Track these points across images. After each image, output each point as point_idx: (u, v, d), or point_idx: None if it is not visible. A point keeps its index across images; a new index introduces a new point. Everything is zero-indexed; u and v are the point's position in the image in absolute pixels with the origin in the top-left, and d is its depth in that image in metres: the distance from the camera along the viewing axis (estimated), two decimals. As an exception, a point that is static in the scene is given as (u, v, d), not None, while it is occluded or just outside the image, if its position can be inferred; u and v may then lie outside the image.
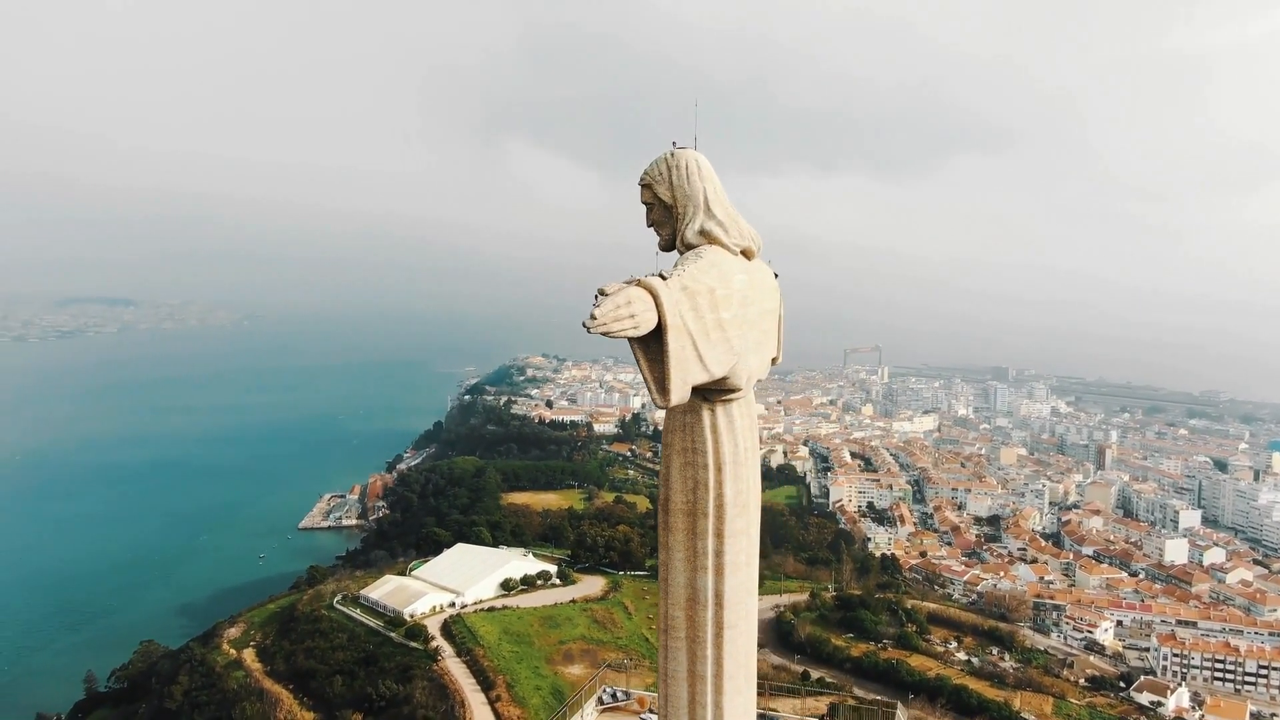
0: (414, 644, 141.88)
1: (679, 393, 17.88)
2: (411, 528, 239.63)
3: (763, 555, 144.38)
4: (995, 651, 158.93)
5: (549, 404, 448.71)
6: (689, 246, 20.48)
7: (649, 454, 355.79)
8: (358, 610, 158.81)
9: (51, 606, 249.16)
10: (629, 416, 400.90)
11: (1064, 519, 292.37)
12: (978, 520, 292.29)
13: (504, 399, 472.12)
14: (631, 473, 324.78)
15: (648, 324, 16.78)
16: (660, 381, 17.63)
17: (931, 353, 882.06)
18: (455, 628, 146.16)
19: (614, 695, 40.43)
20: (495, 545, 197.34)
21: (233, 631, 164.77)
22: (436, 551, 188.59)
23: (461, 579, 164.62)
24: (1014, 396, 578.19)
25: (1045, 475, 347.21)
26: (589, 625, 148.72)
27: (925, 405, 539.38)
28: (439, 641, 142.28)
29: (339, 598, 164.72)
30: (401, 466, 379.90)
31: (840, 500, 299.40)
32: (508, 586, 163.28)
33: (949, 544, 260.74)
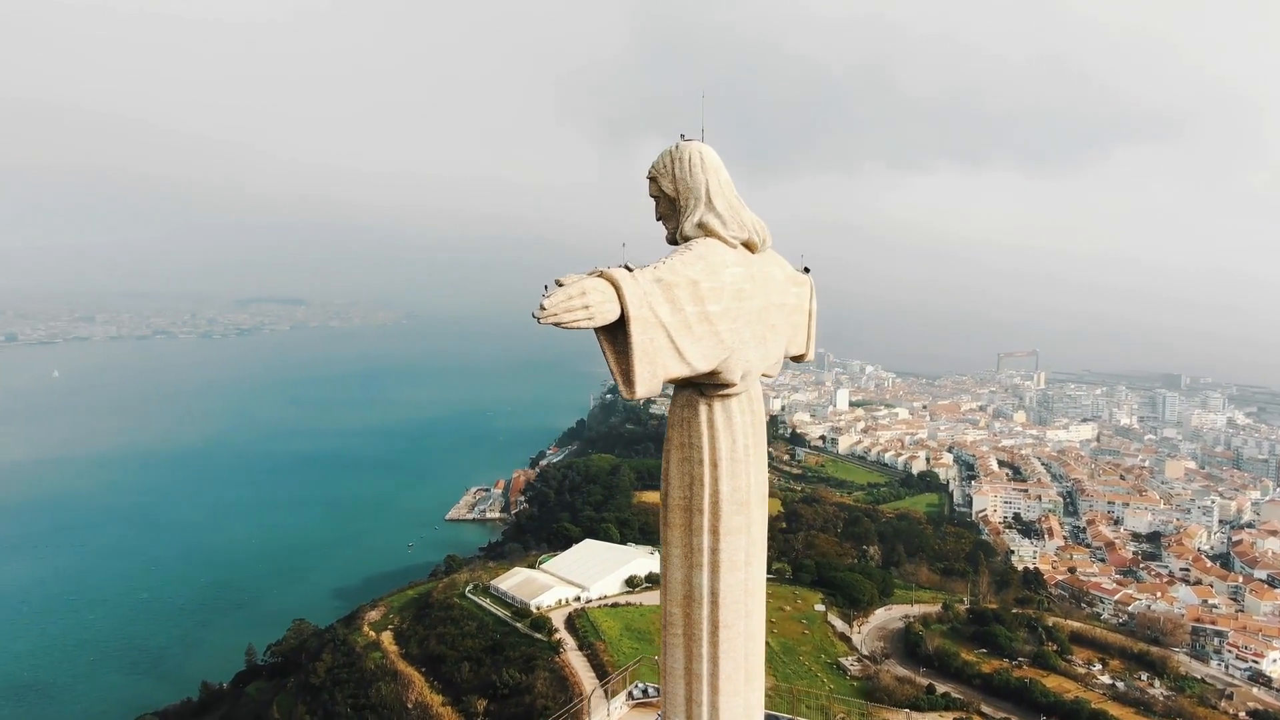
0: (538, 635, 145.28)
1: (646, 386, 17.74)
2: (546, 522, 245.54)
3: (894, 564, 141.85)
4: (1144, 677, 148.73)
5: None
6: (686, 239, 20.30)
7: (786, 456, 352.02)
8: (488, 600, 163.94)
9: (218, 585, 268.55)
10: (767, 418, 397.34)
11: (1235, 539, 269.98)
12: (1135, 537, 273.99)
13: (644, 399, 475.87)
14: (768, 474, 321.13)
15: (606, 315, 16.71)
16: (626, 374, 17.55)
17: (1094, 358, 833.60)
18: (579, 621, 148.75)
19: (644, 691, 40.30)
20: (623, 542, 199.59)
21: (373, 614, 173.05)
22: (566, 546, 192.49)
23: (587, 574, 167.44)
24: (1185, 406, 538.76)
25: (1216, 491, 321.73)
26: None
27: (1084, 413, 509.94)
28: (562, 634, 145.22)
29: (471, 587, 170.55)
30: (544, 463, 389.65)
31: (984, 510, 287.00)
32: (632, 583, 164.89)
33: (1101, 560, 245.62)
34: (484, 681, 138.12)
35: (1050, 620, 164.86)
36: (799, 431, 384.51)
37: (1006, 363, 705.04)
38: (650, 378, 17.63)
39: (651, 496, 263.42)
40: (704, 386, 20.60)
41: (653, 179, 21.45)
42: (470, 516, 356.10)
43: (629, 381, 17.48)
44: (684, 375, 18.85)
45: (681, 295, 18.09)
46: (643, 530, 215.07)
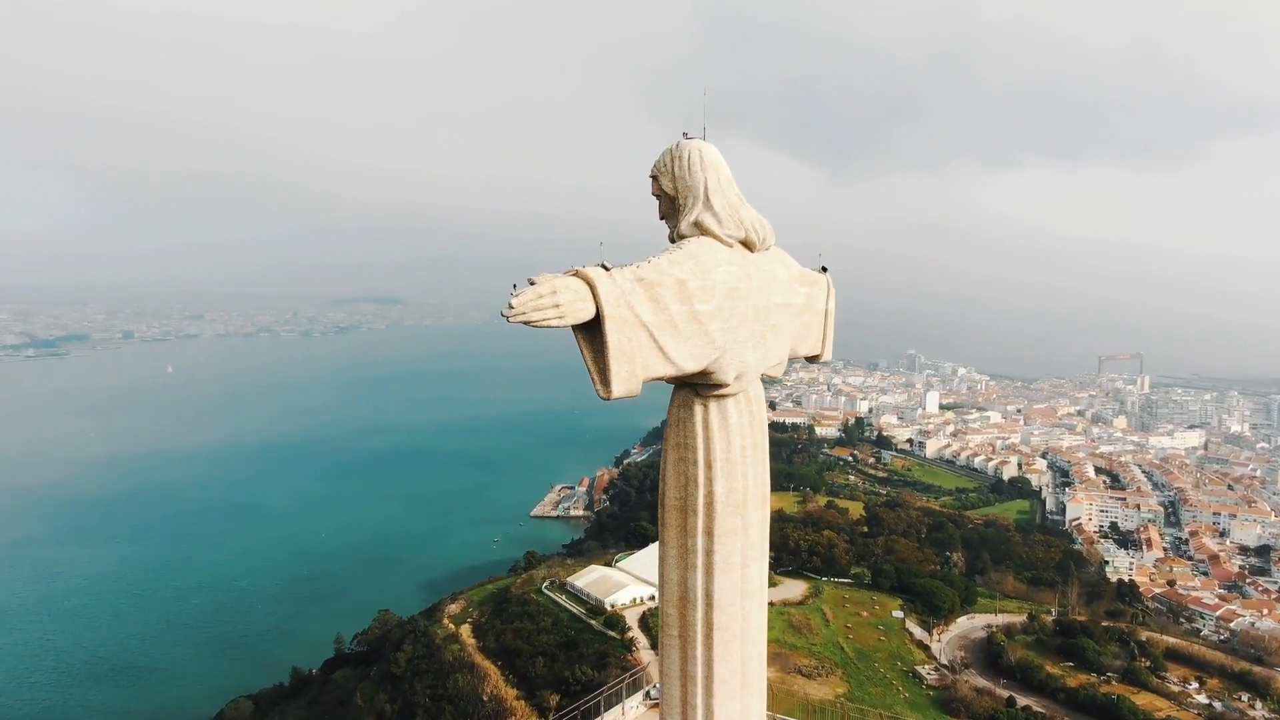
0: (611, 633, 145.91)
1: (624, 386, 17.70)
2: (626, 521, 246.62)
3: (978, 571, 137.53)
4: (1245, 698, 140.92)
5: (772, 405, 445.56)
6: (682, 238, 20.22)
7: (871, 459, 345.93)
8: (564, 596, 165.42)
9: (311, 575, 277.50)
10: (852, 420, 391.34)
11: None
12: (1243, 550, 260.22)
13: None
14: (852, 478, 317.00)
15: (578, 314, 16.78)
16: (602, 373, 17.57)
17: (1203, 361, 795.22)
18: (652, 620, 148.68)
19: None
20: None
21: (453, 608, 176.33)
22: (643, 545, 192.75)
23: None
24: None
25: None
26: (784, 629, 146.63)
27: (1190, 419, 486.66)
28: (635, 632, 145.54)
29: (547, 583, 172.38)
30: (628, 461, 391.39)
31: (1078, 519, 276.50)
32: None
33: (1204, 574, 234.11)
34: (558, 677, 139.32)
35: (1144, 635, 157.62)
36: (885, 434, 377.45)
37: (1108, 366, 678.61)
38: (628, 377, 17.54)
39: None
40: (699, 386, 20.48)
41: (654, 178, 21.41)
42: (554, 513, 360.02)
43: (605, 381, 17.47)
44: (670, 375, 18.76)
45: (666, 294, 17.98)
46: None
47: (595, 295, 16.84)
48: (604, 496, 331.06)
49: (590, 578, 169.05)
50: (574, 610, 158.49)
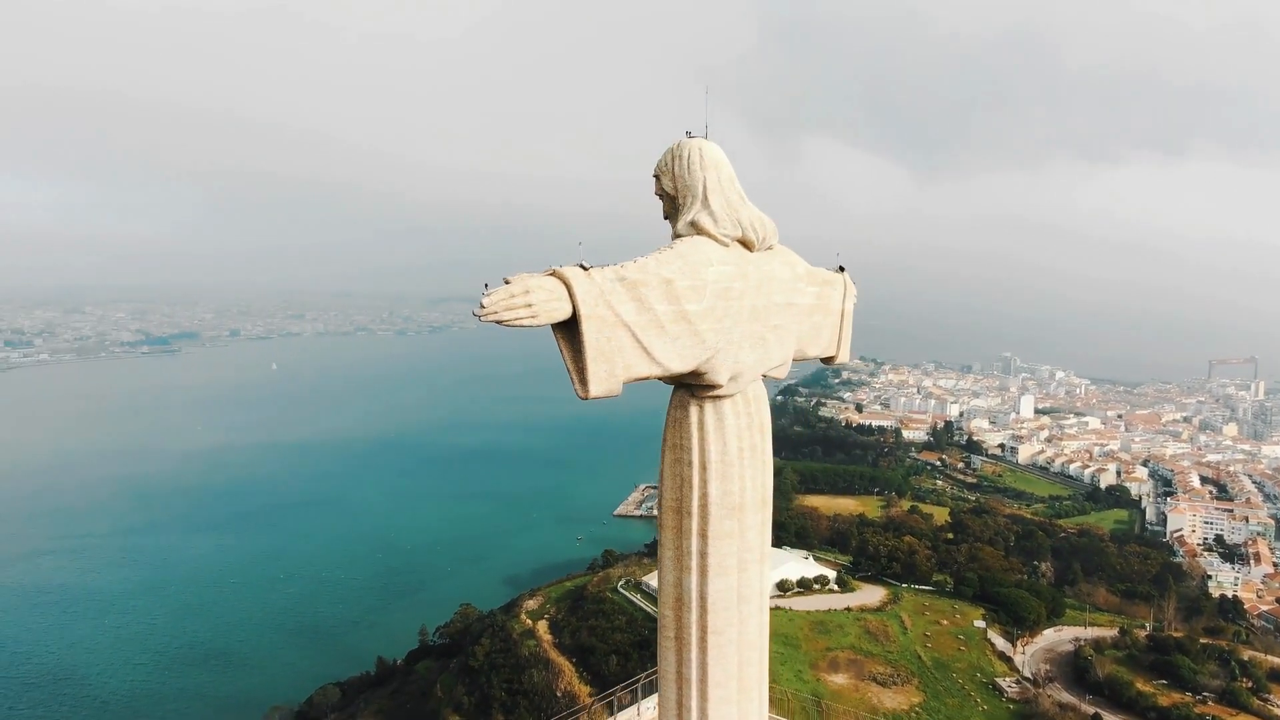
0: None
1: (602, 386, 17.69)
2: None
3: (1068, 582, 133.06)
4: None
5: (859, 408, 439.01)
6: (678, 238, 20.14)
7: (960, 464, 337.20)
8: (638, 595, 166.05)
9: (399, 568, 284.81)
10: (941, 424, 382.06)
11: None
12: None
13: (814, 400, 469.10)
14: (939, 483, 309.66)
15: (553, 314, 16.85)
16: (580, 373, 17.59)
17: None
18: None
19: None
20: (778, 545, 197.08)
21: (531, 604, 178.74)
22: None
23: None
24: None
25: None
26: (860, 635, 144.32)
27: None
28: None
29: (623, 582, 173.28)
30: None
31: (1179, 530, 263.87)
32: (783, 587, 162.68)
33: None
34: (630, 676, 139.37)
35: (1246, 654, 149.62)
36: (975, 439, 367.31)
37: (1219, 370, 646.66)
38: (607, 377, 17.50)
39: (815, 500, 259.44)
40: (694, 387, 20.36)
41: (656, 177, 21.36)
42: (638, 513, 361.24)
43: (583, 381, 17.46)
44: (656, 375, 18.67)
45: (651, 294, 17.88)
46: (799, 534, 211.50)
47: (571, 295, 16.82)
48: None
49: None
50: (649, 610, 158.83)
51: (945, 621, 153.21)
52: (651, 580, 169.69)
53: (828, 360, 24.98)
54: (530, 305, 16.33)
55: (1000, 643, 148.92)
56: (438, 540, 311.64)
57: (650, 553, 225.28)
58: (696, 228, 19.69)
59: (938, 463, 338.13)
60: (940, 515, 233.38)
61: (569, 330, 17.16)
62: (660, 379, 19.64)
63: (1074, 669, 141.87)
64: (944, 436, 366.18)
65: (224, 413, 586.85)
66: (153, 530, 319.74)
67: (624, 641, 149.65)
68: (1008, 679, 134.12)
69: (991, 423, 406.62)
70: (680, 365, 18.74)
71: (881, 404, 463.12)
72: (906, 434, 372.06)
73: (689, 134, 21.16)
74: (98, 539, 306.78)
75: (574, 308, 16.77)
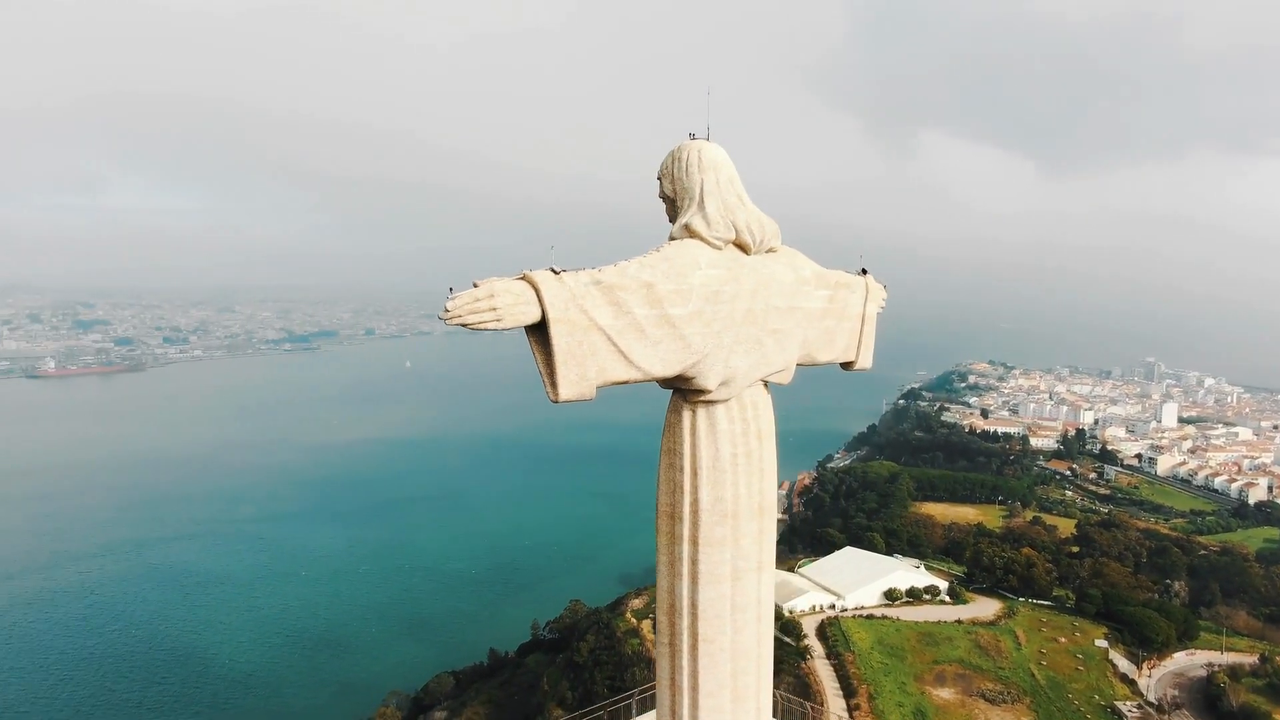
0: (786, 639, 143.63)
1: (574, 389, 17.88)
2: (818, 526, 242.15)
3: (1204, 603, 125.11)
4: None
5: (984, 413, 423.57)
6: (672, 241, 20.14)
7: (1091, 475, 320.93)
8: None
9: (514, 564, 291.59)
10: (1073, 432, 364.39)
11: None
12: None
13: (937, 405, 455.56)
14: (1068, 493, 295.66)
15: (519, 318, 17.08)
16: (550, 376, 17.80)
17: None
18: (830, 630, 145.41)
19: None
20: (889, 553, 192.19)
21: (636, 602, 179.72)
22: (828, 551, 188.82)
23: (845, 582, 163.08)
24: None
25: None
26: (970, 649, 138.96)
27: None
28: (811, 640, 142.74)
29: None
30: (831, 466, 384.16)
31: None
32: (891, 596, 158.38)
33: None
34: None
35: None
36: (1110, 448, 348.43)
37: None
38: (578, 381, 17.61)
39: (932, 508, 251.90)
40: (686, 392, 20.27)
41: (659, 180, 21.38)
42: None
43: (553, 384, 17.65)
44: (637, 379, 18.69)
45: (630, 298, 17.90)
46: (912, 542, 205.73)
47: (540, 298, 16.95)
48: (799, 500, 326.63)
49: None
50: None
51: (1063, 639, 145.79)
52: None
53: (847, 366, 24.40)
54: (495, 309, 16.52)
55: (1123, 664, 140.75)
56: (554, 538, 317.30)
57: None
58: (689, 231, 19.59)
59: (1067, 472, 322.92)
60: (1065, 527, 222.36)
61: (542, 334, 17.27)
62: (659, 383, 19.66)
63: (1205, 696, 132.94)
64: (1075, 445, 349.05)
65: (358, 408, 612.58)
66: (288, 519, 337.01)
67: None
68: (1129, 703, 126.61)
69: (1129, 431, 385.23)
70: (663, 369, 18.65)
71: (1009, 410, 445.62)
72: (1034, 441, 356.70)
73: (691, 135, 21.01)
74: (237, 525, 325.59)
75: (543, 311, 16.88)
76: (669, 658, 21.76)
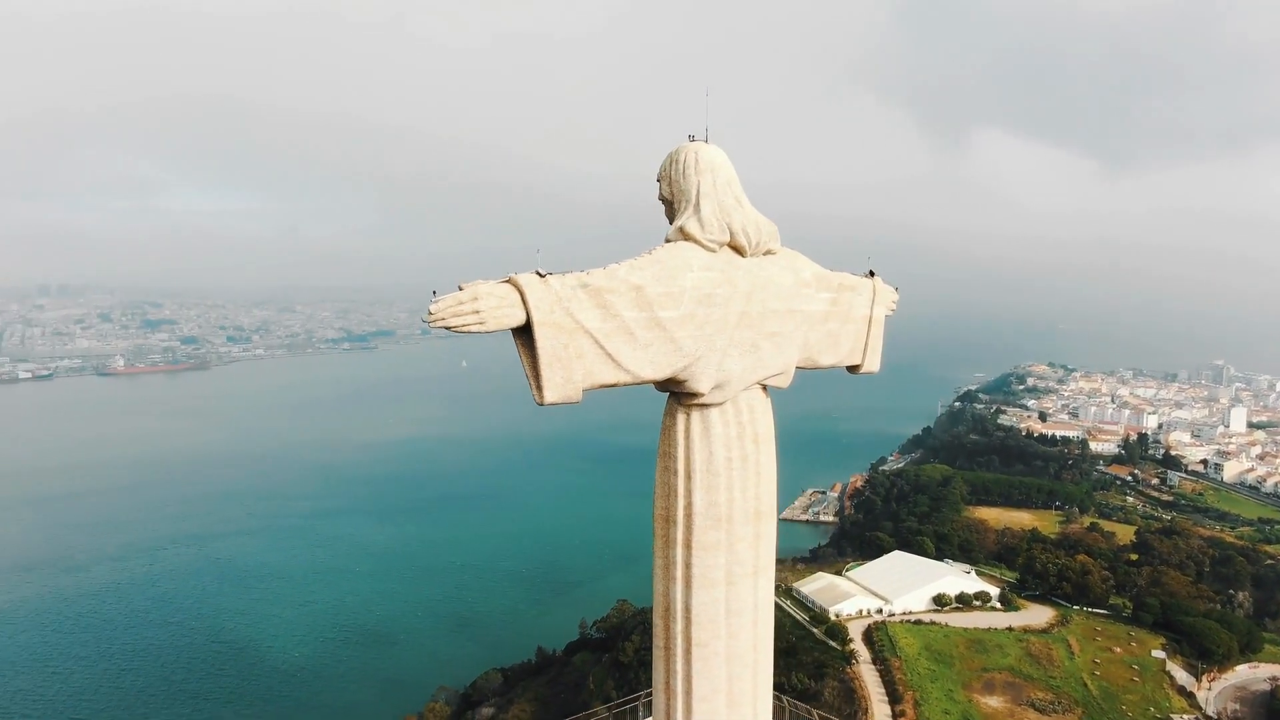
0: (832, 643, 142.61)
1: (559, 392, 17.86)
2: (869, 529, 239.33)
3: (1270, 615, 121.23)
4: None
5: (1042, 416, 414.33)
6: (666, 244, 20.13)
7: (1154, 480, 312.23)
8: (789, 601, 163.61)
9: (564, 562, 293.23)
10: (1135, 436, 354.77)
11: None
12: None
13: (993, 408, 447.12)
14: (1129, 499, 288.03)
15: (503, 321, 17.12)
16: (536, 379, 17.83)
17: None
18: (877, 634, 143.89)
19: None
20: (939, 558, 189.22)
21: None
22: (877, 555, 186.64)
23: (893, 586, 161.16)
24: None
25: None
26: (1021, 657, 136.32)
27: None
28: (857, 645, 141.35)
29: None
30: (884, 469, 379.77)
31: None
32: (940, 602, 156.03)
33: None
34: (774, 683, 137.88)
35: None
36: (1174, 453, 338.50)
37: None
38: (564, 384, 17.59)
39: (986, 512, 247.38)
40: (680, 395, 20.25)
41: (658, 182, 21.41)
42: (803, 518, 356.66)
43: (538, 386, 17.65)
44: (626, 382, 18.68)
45: (618, 301, 17.90)
46: (963, 547, 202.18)
47: (524, 301, 16.99)
48: (850, 503, 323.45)
49: (816, 585, 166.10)
50: (797, 616, 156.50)
51: (1118, 649, 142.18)
52: (803, 587, 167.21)
53: (854, 369, 24.17)
54: (478, 312, 16.56)
55: (1181, 676, 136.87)
56: (603, 537, 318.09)
57: (807, 559, 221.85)
58: (683, 234, 19.53)
59: (1128, 478, 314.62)
60: (1124, 534, 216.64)
61: (528, 336, 17.30)
62: (655, 386, 19.64)
63: (1268, 711, 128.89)
64: (1137, 450, 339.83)
65: (414, 407, 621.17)
66: (343, 515, 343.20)
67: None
68: (1186, 716, 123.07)
69: (1194, 436, 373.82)
70: (653, 372, 18.61)
71: (1069, 413, 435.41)
72: (1094, 446, 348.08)
73: (691, 137, 20.95)
74: (294, 521, 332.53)
75: (527, 314, 16.92)
76: (664, 661, 21.75)
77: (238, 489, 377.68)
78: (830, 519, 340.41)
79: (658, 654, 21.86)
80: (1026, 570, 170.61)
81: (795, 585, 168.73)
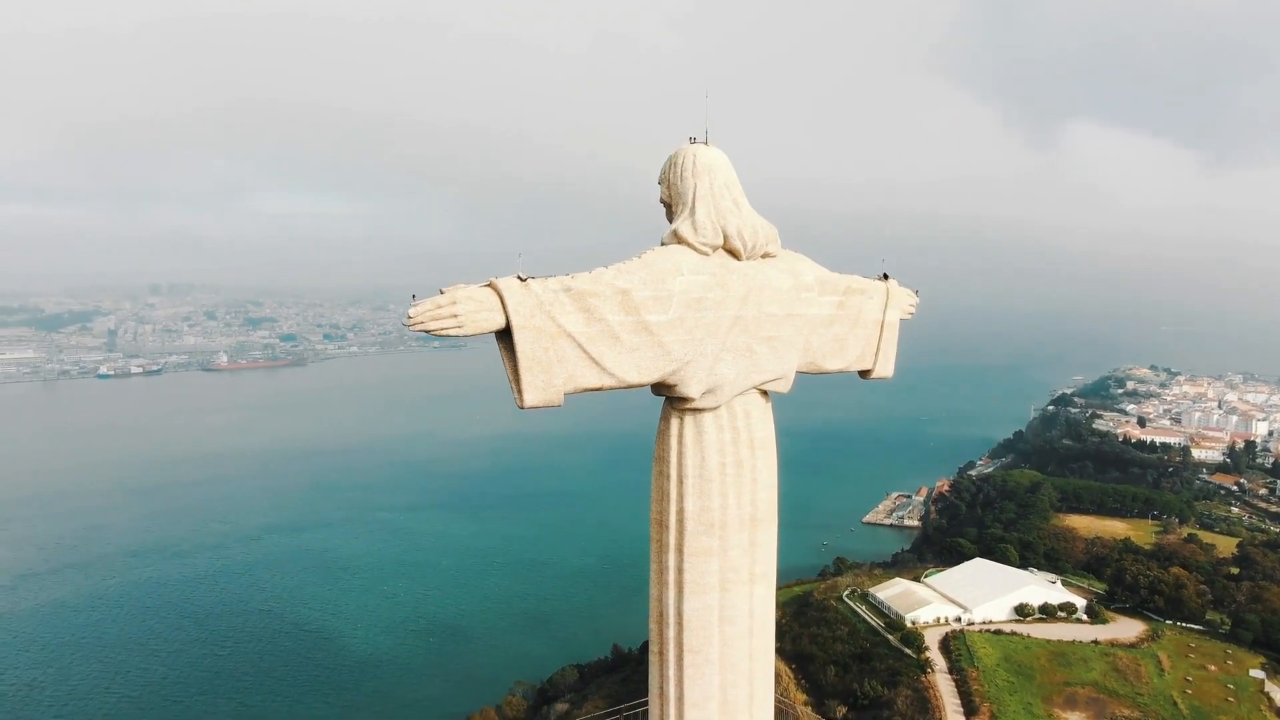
0: (907, 650, 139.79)
1: (540, 395, 17.98)
2: (951, 535, 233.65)
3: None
4: None
5: (1141, 421, 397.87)
6: (662, 247, 20.16)
7: (1263, 490, 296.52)
8: (864, 607, 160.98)
9: (641, 561, 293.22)
10: (1242, 444, 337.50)
11: None
12: None
13: (1089, 412, 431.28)
14: (1234, 510, 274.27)
15: (481, 324, 17.34)
16: (516, 382, 18.01)
17: None
18: (954, 643, 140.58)
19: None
20: (1023, 566, 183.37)
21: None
22: (957, 562, 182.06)
23: (973, 594, 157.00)
24: None
25: None
26: (1106, 672, 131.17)
27: None
28: (933, 653, 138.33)
29: (849, 592, 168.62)
30: (972, 473, 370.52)
31: None
32: (1022, 612, 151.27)
33: None
34: (846, 689, 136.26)
35: None
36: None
37: None
38: (544, 388, 17.67)
39: (1076, 520, 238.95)
40: (674, 399, 20.22)
41: (659, 184, 21.45)
42: (887, 521, 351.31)
43: (519, 390, 17.79)
44: (609, 386, 18.69)
45: (603, 305, 17.96)
46: (1049, 556, 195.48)
47: (504, 305, 17.15)
48: (935, 508, 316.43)
49: (893, 591, 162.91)
50: (873, 622, 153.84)
51: (1213, 667, 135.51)
52: (879, 593, 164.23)
53: (865, 374, 23.73)
54: (456, 316, 16.74)
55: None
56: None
57: (887, 564, 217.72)
58: (676, 237, 19.49)
59: (1234, 487, 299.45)
60: (1225, 546, 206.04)
61: (510, 340, 17.44)
62: (652, 390, 19.61)
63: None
64: (1244, 458, 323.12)
65: (501, 404, 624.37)
66: (429, 510, 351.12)
67: (844, 653, 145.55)
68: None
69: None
70: (639, 377, 18.55)
71: (1171, 419, 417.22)
72: (1197, 453, 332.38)
73: (691, 139, 20.84)
74: (382, 514, 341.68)
75: (507, 318, 17.05)
76: (658, 667, 21.71)
77: (330, 482, 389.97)
78: (914, 524, 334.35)
79: (653, 659, 21.83)
80: (1116, 581, 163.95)
81: (871, 590, 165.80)
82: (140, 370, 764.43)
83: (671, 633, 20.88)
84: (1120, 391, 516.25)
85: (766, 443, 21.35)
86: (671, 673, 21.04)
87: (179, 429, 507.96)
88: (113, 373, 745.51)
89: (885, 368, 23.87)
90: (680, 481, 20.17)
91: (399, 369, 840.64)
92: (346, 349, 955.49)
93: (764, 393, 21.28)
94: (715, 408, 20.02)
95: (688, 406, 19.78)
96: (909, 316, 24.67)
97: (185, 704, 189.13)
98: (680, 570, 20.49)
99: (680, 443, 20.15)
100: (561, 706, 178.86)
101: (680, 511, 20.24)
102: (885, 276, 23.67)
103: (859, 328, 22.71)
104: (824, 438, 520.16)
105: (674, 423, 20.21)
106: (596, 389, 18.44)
